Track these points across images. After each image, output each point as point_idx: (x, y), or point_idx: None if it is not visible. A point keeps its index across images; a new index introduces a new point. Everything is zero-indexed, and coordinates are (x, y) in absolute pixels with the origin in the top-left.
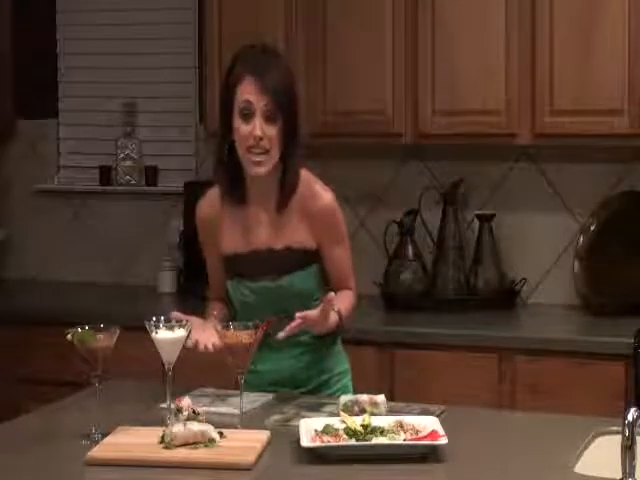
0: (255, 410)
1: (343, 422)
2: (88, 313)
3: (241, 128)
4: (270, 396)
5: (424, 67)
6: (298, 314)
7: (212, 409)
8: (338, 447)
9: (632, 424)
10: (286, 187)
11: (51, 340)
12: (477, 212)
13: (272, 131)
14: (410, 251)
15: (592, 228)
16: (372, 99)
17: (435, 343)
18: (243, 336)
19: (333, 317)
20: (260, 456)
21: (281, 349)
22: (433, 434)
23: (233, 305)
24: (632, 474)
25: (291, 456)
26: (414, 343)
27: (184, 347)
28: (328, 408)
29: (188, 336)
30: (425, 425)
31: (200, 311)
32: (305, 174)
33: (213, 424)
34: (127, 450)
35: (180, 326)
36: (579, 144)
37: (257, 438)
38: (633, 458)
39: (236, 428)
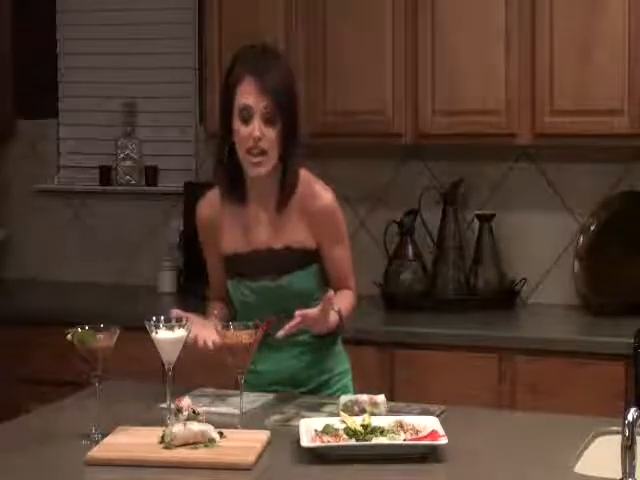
0: (255, 410)
1: (343, 422)
2: (88, 313)
3: (241, 130)
4: (270, 396)
5: (424, 67)
6: (297, 312)
7: (212, 409)
8: (338, 447)
9: (632, 424)
10: (286, 187)
11: (51, 340)
12: (477, 212)
13: (271, 133)
14: (410, 251)
15: (592, 228)
16: (372, 99)
17: (435, 343)
18: (243, 336)
19: (333, 317)
20: (260, 456)
21: (281, 349)
22: (433, 434)
23: (233, 305)
24: (632, 474)
25: (291, 456)
26: (414, 343)
27: (184, 345)
28: (328, 408)
29: (188, 335)
30: (425, 425)
31: (200, 311)
32: (305, 174)
33: (213, 424)
34: (127, 450)
35: (180, 326)
36: (579, 144)
37: (257, 438)
38: (633, 458)
39: (236, 428)
